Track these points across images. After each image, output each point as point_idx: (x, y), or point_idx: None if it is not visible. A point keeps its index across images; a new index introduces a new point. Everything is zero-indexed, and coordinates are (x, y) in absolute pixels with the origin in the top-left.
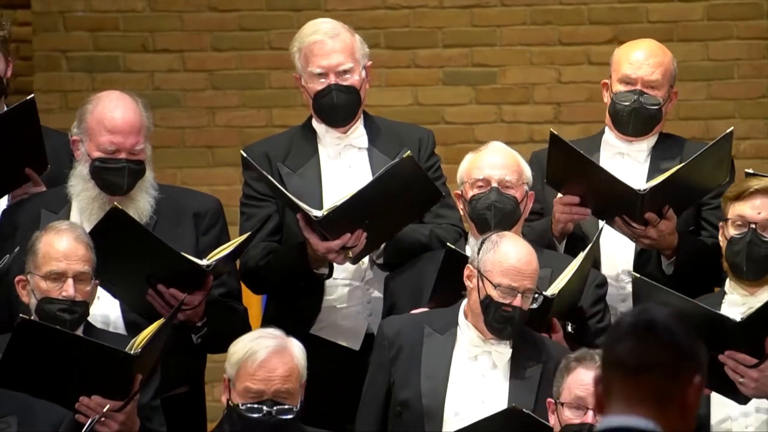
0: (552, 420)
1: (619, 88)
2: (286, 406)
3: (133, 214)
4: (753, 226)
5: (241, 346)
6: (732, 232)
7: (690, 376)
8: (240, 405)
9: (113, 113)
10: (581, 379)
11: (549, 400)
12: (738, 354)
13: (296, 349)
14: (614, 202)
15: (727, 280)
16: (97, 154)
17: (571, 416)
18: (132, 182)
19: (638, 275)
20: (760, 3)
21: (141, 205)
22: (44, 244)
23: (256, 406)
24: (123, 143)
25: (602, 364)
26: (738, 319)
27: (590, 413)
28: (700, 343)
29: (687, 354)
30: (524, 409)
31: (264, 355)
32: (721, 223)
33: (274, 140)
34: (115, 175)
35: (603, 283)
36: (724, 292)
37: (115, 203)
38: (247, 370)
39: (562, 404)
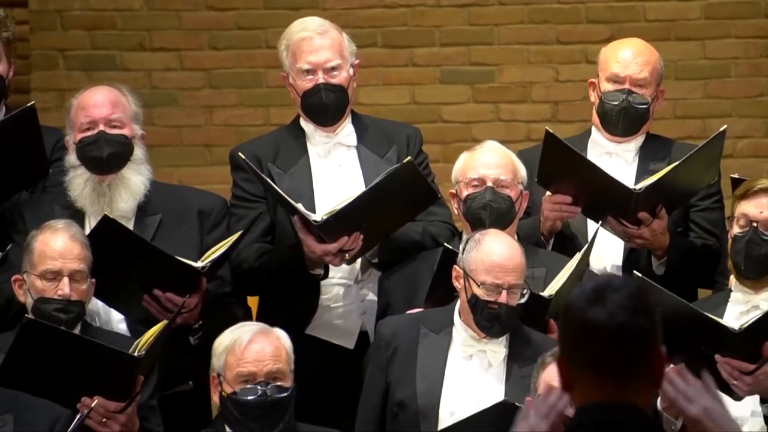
0: None
1: (607, 87)
2: (280, 384)
3: (125, 195)
4: (755, 224)
5: (224, 337)
6: (735, 230)
7: (659, 345)
8: (234, 392)
9: (89, 95)
10: (555, 371)
11: (528, 399)
12: (734, 361)
13: (280, 332)
14: (607, 201)
15: (732, 279)
16: (78, 137)
17: None
18: (113, 155)
19: (640, 275)
20: (758, 2)
21: (133, 185)
22: (40, 243)
23: (250, 386)
24: (97, 114)
25: (570, 335)
26: (736, 327)
27: None
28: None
29: (656, 322)
30: (516, 403)
31: (250, 337)
32: (727, 220)
33: (262, 141)
34: (93, 148)
35: None
36: (730, 290)
37: (106, 213)
38: (236, 355)
39: (539, 397)
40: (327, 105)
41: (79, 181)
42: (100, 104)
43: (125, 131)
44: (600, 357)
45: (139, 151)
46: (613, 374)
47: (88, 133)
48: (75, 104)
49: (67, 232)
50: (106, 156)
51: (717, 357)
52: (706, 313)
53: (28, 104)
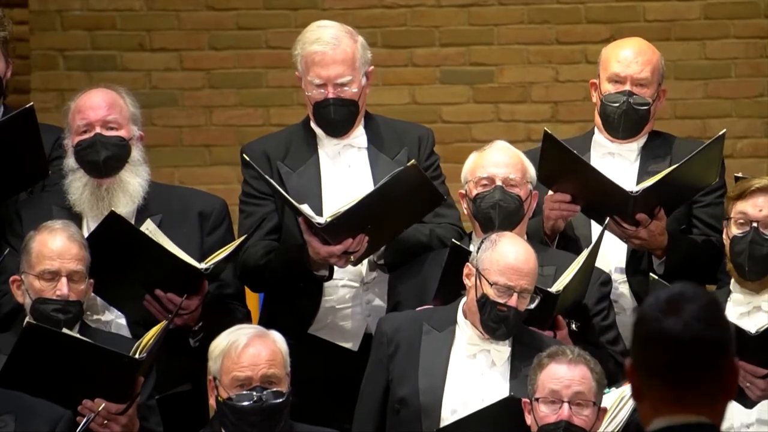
0: (528, 420)
1: (608, 87)
2: (276, 389)
3: (123, 198)
4: (755, 224)
5: (220, 340)
6: (734, 231)
7: (732, 356)
8: (230, 397)
9: (85, 97)
10: (554, 373)
11: (524, 400)
12: (747, 365)
13: (277, 336)
14: (605, 202)
15: (732, 279)
16: (75, 139)
17: (546, 411)
18: (111, 158)
19: (656, 277)
20: (758, 2)
21: (131, 188)
22: (38, 244)
23: (245, 392)
24: (94, 117)
25: (643, 345)
26: (753, 331)
27: (565, 406)
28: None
29: (730, 333)
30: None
31: (246, 340)
32: (724, 222)
33: (272, 138)
34: (90, 152)
35: (607, 281)
36: (729, 291)
37: (112, 209)
38: (231, 359)
39: (537, 400)
40: (335, 120)
41: (78, 185)
42: (96, 106)
43: (122, 133)
44: (673, 368)
45: (136, 153)
46: (685, 386)
47: (85, 136)
48: (72, 107)
49: (65, 232)
50: (103, 160)
51: None
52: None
53: (27, 105)
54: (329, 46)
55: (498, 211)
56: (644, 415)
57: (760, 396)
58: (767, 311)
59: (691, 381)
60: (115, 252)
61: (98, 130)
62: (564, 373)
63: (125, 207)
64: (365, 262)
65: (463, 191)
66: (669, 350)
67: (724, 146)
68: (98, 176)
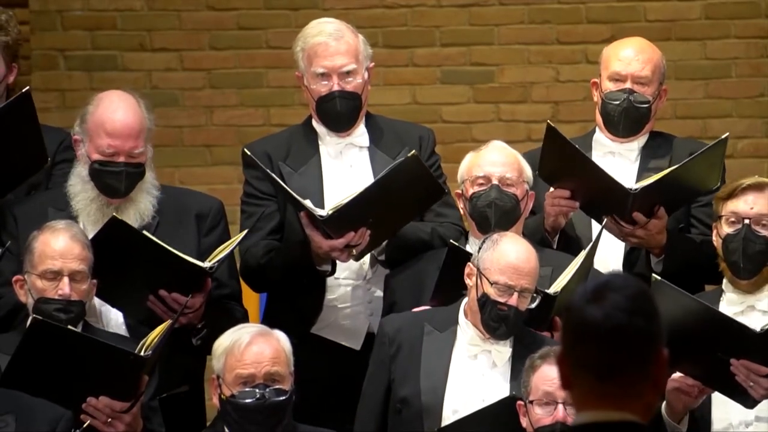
0: (524, 422)
1: (608, 86)
2: (279, 387)
3: (133, 215)
4: (747, 221)
5: (224, 338)
6: (726, 229)
7: (659, 348)
8: (233, 395)
9: (113, 115)
10: (547, 375)
11: (519, 402)
12: (752, 365)
13: (280, 334)
14: (604, 199)
15: (725, 279)
16: (96, 156)
17: (541, 413)
18: (130, 185)
19: (659, 277)
20: (758, 2)
21: (142, 206)
22: (40, 243)
23: (248, 389)
24: (122, 146)
25: (569, 334)
26: (758, 329)
27: (560, 407)
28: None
29: (657, 324)
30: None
31: (249, 338)
32: (714, 224)
33: (274, 139)
34: (113, 178)
35: None
36: (722, 291)
37: (114, 214)
38: (235, 356)
39: (531, 402)
40: (341, 113)
41: (86, 196)
42: (126, 134)
43: (142, 159)
44: (596, 358)
45: (149, 174)
46: (609, 377)
47: (109, 159)
48: (96, 117)
49: (67, 232)
50: (125, 188)
51: (732, 360)
52: (728, 315)
53: (23, 90)
54: (332, 38)
55: (494, 210)
56: (573, 402)
57: (764, 395)
58: (761, 310)
59: (615, 372)
60: (118, 255)
61: (123, 159)
62: (557, 374)
63: (135, 223)
64: (367, 259)
65: (460, 191)
66: (591, 340)
67: (725, 151)
68: (110, 196)
